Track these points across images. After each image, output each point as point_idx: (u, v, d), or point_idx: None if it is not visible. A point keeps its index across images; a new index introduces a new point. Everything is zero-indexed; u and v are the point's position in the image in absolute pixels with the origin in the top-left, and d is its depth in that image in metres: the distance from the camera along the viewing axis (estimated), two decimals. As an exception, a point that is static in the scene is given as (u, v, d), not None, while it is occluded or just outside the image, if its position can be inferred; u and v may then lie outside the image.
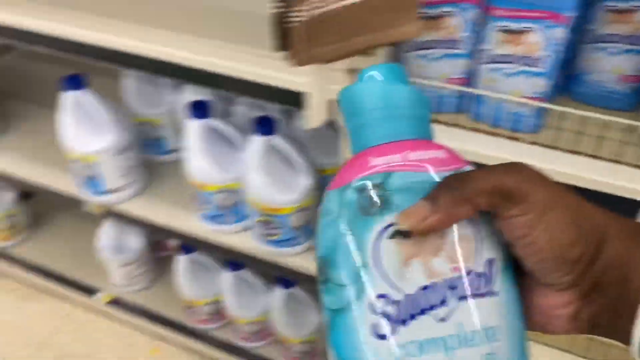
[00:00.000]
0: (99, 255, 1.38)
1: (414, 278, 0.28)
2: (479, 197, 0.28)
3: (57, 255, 1.51)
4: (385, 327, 0.27)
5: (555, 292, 0.29)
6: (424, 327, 0.27)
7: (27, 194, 1.55)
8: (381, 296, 0.27)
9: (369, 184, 0.29)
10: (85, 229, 1.46)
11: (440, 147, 0.30)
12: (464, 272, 0.28)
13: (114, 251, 1.36)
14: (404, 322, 0.27)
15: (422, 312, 0.27)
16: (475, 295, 0.28)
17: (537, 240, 0.28)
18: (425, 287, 0.28)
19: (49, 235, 1.58)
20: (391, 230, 0.28)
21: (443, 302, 0.28)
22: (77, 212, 1.19)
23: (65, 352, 1.40)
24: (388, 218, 0.28)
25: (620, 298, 0.29)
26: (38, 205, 1.60)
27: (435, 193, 0.28)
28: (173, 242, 1.40)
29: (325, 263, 0.29)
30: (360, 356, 0.28)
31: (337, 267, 0.29)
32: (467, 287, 0.28)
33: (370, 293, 0.28)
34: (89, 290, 1.45)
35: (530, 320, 0.31)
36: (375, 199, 0.28)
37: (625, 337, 0.29)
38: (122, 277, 1.40)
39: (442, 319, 0.27)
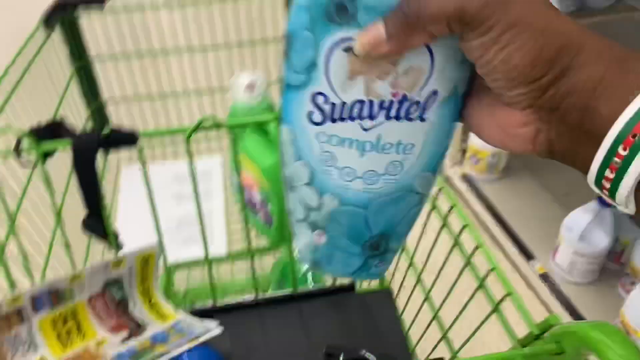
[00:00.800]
0: (560, 230, 1.41)
1: (354, 91, 0.31)
2: (435, 25, 0.28)
3: (521, 205, 1.61)
4: (317, 117, 0.32)
5: (515, 111, 0.30)
6: (348, 129, 0.32)
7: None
8: (321, 94, 0.32)
9: None
10: (559, 203, 1.51)
11: None
12: (400, 98, 0.31)
13: (577, 237, 1.37)
14: (333, 119, 0.32)
15: (351, 118, 0.32)
16: (402, 118, 0.32)
17: (492, 60, 0.28)
18: (360, 101, 0.31)
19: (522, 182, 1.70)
20: (346, 44, 0.30)
21: (371, 117, 0.32)
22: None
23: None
24: (347, 32, 0.30)
25: (580, 126, 0.27)
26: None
27: (390, 19, 0.29)
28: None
29: (288, 40, 0.32)
30: (296, 126, 0.34)
31: (296, 52, 0.31)
32: (397, 110, 0.32)
33: (312, 87, 0.32)
34: (528, 254, 1.51)
35: (491, 136, 0.32)
36: (341, 9, 0.29)
37: (583, 166, 0.28)
38: (568, 261, 1.41)
39: (365, 129, 0.32)
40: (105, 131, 0.49)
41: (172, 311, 0.57)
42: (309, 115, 0.32)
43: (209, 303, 0.60)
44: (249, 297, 0.60)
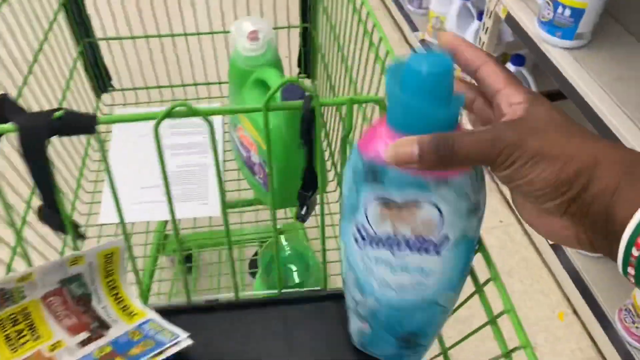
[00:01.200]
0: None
1: (385, 229, 0.39)
2: (464, 163, 0.33)
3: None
4: (359, 240, 0.41)
5: (555, 217, 0.34)
6: (382, 253, 0.40)
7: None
8: (362, 226, 0.40)
9: (374, 168, 0.36)
10: None
11: None
12: (419, 238, 0.39)
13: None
14: (371, 244, 0.40)
15: (383, 246, 0.40)
16: (421, 251, 0.39)
17: (520, 186, 0.32)
18: (389, 236, 0.39)
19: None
20: (379, 199, 0.38)
21: (398, 246, 0.40)
22: None
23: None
24: (379, 191, 0.37)
25: (607, 227, 0.31)
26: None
27: (424, 149, 0.32)
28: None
29: (340, 183, 0.40)
30: (347, 244, 0.43)
31: (346, 196, 0.41)
32: (417, 246, 0.39)
33: (356, 221, 0.40)
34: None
35: (543, 233, 0.36)
36: (373, 175, 0.37)
37: (617, 259, 0.30)
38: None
39: (393, 254, 0.40)
40: (58, 114, 0.41)
41: (141, 308, 0.51)
42: (355, 238, 0.41)
43: (183, 300, 0.54)
44: (228, 295, 0.54)
